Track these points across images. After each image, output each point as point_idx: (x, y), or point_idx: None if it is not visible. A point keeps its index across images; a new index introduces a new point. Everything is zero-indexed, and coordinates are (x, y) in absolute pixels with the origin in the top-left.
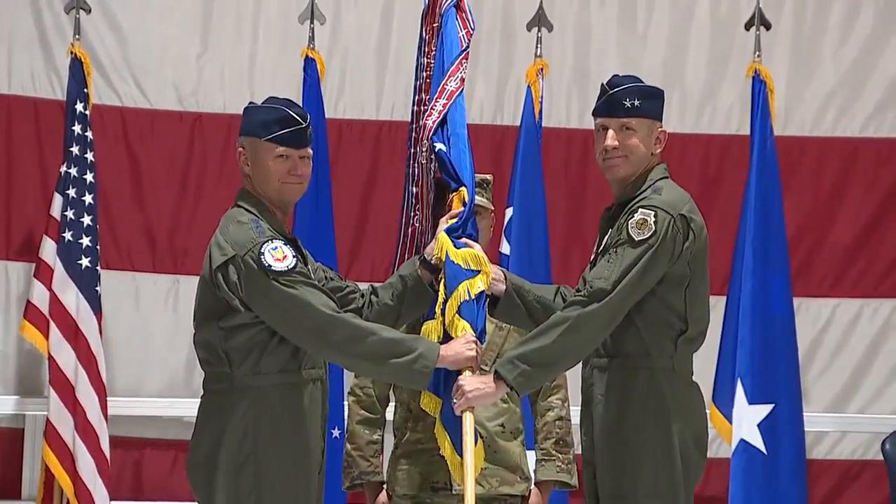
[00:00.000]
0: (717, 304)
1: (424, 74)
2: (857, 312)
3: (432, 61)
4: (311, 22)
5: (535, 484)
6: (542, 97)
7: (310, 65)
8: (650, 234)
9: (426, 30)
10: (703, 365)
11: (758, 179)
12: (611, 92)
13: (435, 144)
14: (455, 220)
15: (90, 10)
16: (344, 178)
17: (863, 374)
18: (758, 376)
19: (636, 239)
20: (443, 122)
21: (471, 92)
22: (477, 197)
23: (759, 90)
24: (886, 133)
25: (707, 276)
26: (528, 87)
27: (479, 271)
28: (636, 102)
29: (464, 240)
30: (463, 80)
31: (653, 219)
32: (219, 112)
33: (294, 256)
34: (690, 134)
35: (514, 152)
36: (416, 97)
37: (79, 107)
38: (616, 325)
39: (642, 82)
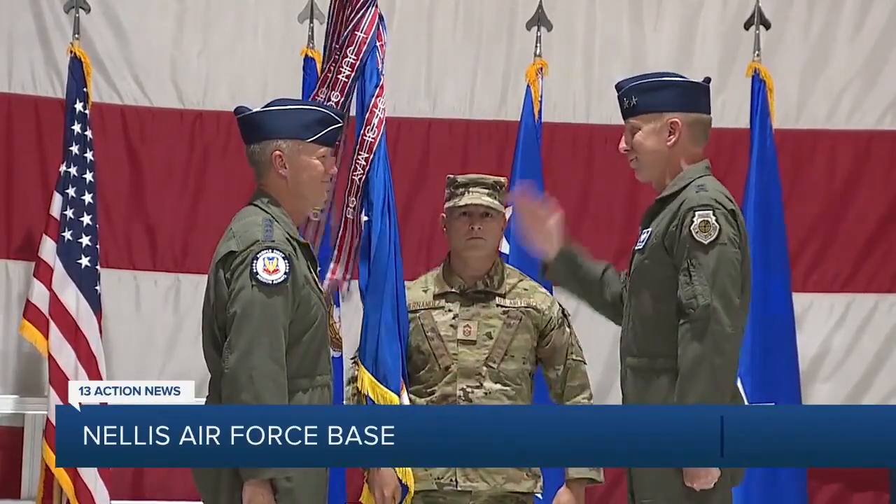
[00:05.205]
0: None
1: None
2: (872, 308)
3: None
4: (311, 21)
5: (566, 482)
6: (541, 96)
7: (309, 64)
8: (717, 233)
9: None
10: None
11: (757, 179)
12: (617, 96)
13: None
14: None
15: (90, 9)
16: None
17: (876, 371)
18: (758, 376)
19: (706, 243)
20: (367, 183)
21: (473, 88)
22: (489, 199)
23: (759, 89)
24: None
25: (748, 272)
26: (528, 86)
27: None
28: (634, 101)
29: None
30: (381, 123)
31: (713, 218)
32: (219, 110)
33: (286, 274)
34: None
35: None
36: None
37: (78, 106)
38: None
39: (647, 79)
